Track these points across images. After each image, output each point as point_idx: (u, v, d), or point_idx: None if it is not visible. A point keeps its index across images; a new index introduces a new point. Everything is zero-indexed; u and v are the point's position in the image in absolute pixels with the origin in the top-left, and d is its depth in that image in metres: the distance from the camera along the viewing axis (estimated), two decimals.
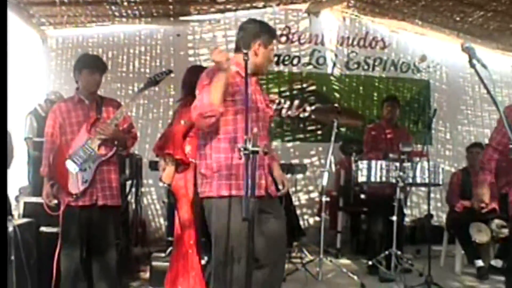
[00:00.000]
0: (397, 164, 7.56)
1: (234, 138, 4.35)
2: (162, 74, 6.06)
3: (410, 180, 7.64)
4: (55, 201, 5.48)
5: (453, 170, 10.79)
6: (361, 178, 7.78)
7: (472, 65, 3.76)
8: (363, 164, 7.80)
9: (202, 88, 4.36)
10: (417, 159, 7.86)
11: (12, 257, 4.94)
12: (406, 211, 9.51)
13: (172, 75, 11.01)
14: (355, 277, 7.47)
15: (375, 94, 12.16)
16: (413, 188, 10.45)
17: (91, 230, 5.56)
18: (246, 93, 3.77)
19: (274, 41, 4.68)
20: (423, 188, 11.19)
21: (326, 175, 7.78)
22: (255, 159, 3.55)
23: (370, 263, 8.01)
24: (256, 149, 3.53)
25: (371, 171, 7.68)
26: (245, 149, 3.52)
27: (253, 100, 4.43)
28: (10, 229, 4.96)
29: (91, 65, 5.61)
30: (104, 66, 5.75)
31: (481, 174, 5.71)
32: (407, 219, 10.59)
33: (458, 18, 11.14)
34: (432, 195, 8.25)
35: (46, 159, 5.57)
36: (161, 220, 10.89)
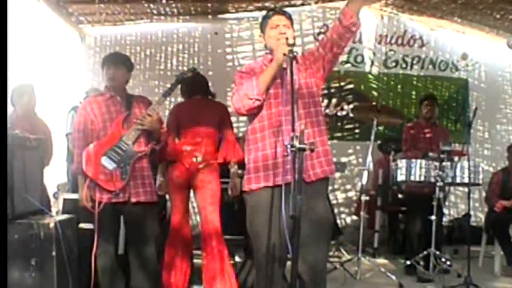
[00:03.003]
0: (437, 163, 7.51)
1: (265, 127, 4.44)
2: (187, 72, 6.15)
3: (450, 180, 7.58)
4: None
5: (491, 169, 10.71)
6: (400, 177, 7.74)
7: None
8: (402, 163, 7.76)
9: (240, 80, 4.49)
10: (456, 158, 7.81)
11: (54, 253, 4.98)
12: (445, 210, 9.44)
13: (210, 73, 11.22)
14: (393, 277, 7.43)
15: (413, 92, 12.08)
16: (451, 188, 10.37)
17: (127, 227, 5.62)
18: (292, 90, 3.77)
19: (276, 17, 4.61)
20: (460, 188, 11.13)
21: (365, 174, 7.78)
22: (301, 156, 3.55)
23: (408, 263, 7.95)
24: (303, 146, 3.51)
25: (410, 170, 7.64)
26: (292, 146, 3.52)
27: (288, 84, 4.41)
28: (52, 225, 4.99)
29: (110, 61, 5.67)
30: (125, 61, 5.78)
31: None
32: (445, 219, 10.51)
33: (498, 16, 10.99)
34: (471, 195, 8.17)
35: (78, 156, 5.55)
36: (198, 218, 10.89)
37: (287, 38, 4.29)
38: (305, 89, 4.55)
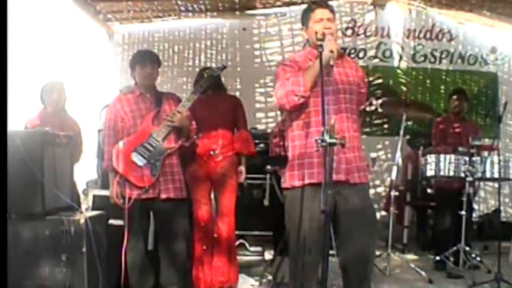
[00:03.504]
0: (466, 158, 7.47)
1: (307, 124, 4.41)
2: (218, 69, 6.21)
3: (480, 175, 7.51)
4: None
5: None
6: (430, 172, 7.70)
7: None
8: (431, 158, 7.71)
9: (284, 74, 4.47)
10: (486, 153, 7.75)
11: (84, 249, 5.01)
12: (474, 206, 9.38)
13: (238, 69, 11.22)
14: (423, 273, 7.40)
15: (442, 87, 12.00)
16: (481, 183, 10.30)
17: (157, 223, 5.66)
18: (322, 85, 3.77)
19: (320, 11, 4.56)
20: (490, 183, 11.03)
21: (395, 169, 7.75)
22: (332, 150, 3.55)
23: (437, 258, 7.91)
24: (333, 141, 3.51)
25: (439, 165, 7.60)
26: (322, 141, 3.51)
27: (332, 82, 4.43)
28: (82, 221, 5.02)
29: (141, 59, 5.72)
30: (156, 58, 5.83)
31: None
32: (474, 215, 10.45)
33: None
34: (500, 190, 8.10)
35: (108, 153, 5.61)
36: None
37: (332, 34, 4.31)
38: (354, 94, 4.60)
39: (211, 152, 6.38)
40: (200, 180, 6.46)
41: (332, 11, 4.60)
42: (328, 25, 4.46)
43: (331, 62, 4.21)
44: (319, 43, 4.17)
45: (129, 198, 5.39)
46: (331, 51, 4.17)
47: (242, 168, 6.68)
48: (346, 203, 4.40)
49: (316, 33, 4.41)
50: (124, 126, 5.57)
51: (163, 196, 5.46)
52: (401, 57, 11.82)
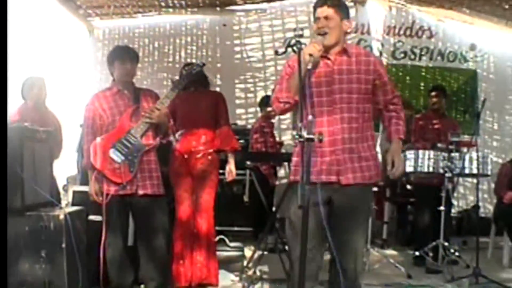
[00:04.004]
0: (445, 154, 7.51)
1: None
2: (197, 66, 6.19)
3: (458, 171, 7.56)
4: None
5: (500, 161, 10.68)
6: (409, 168, 7.71)
7: None
8: (410, 154, 7.74)
9: (282, 77, 4.50)
10: (465, 149, 7.81)
11: (64, 245, 5.01)
12: (453, 202, 9.44)
13: (218, 64, 11.24)
14: (402, 268, 7.45)
15: (422, 83, 12.09)
16: (460, 179, 10.36)
17: (136, 219, 5.66)
18: (299, 77, 3.78)
19: (318, 10, 4.46)
20: (469, 179, 11.09)
21: None
22: (310, 146, 3.56)
23: (416, 254, 7.96)
24: (310, 136, 3.52)
25: (418, 161, 7.63)
26: (300, 136, 3.53)
27: (326, 83, 4.41)
28: (62, 217, 5.02)
29: (121, 55, 5.67)
30: (135, 55, 5.79)
31: None
32: (453, 210, 10.51)
33: (506, 6, 10.96)
34: (479, 186, 8.17)
35: (87, 151, 5.57)
36: None
37: (325, 33, 4.33)
38: (355, 93, 4.47)
39: (192, 149, 6.38)
40: (181, 177, 6.46)
41: (332, 6, 4.43)
42: (322, 24, 4.40)
43: (309, 66, 4.14)
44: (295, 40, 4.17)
45: (107, 194, 5.38)
46: (310, 55, 4.13)
47: (231, 167, 6.65)
48: (337, 203, 4.44)
49: (315, 32, 4.44)
50: (102, 123, 5.55)
51: (141, 192, 5.45)
52: (381, 54, 11.86)
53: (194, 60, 11.11)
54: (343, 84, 4.42)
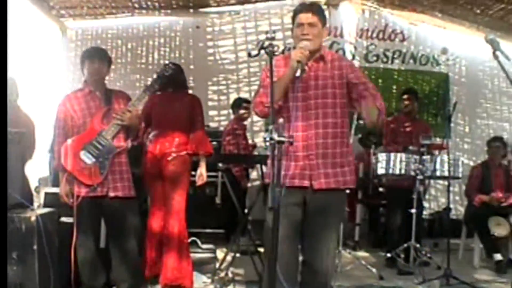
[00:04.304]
0: (417, 156, 7.56)
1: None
2: (168, 68, 6.16)
3: (430, 173, 7.64)
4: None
5: (471, 163, 10.78)
6: (380, 171, 7.79)
7: (496, 57, 3.76)
8: (382, 157, 7.81)
9: (263, 80, 4.52)
10: (437, 152, 7.87)
11: (35, 247, 4.99)
12: (425, 204, 9.51)
13: (191, 66, 11.23)
14: (374, 270, 7.49)
15: (394, 86, 12.15)
16: (431, 181, 10.44)
17: (107, 221, 5.65)
18: (271, 80, 3.79)
19: (302, 15, 4.49)
20: (441, 181, 11.20)
21: None
22: (281, 148, 3.57)
23: (388, 255, 8.03)
24: (281, 139, 3.54)
25: (390, 163, 7.70)
26: (271, 139, 3.54)
27: (302, 89, 4.42)
28: (33, 218, 5.00)
29: (90, 54, 5.68)
30: (105, 55, 5.79)
31: None
32: (425, 212, 10.57)
33: (478, 11, 11.08)
34: (450, 188, 8.20)
35: (58, 153, 5.55)
36: None
37: (309, 40, 4.35)
38: (330, 98, 4.50)
39: (165, 151, 6.36)
40: (153, 178, 6.45)
41: (316, 12, 4.51)
42: (307, 30, 4.43)
43: (297, 73, 4.20)
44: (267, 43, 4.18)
45: (78, 196, 5.36)
46: (298, 62, 4.19)
47: (202, 171, 6.64)
48: (311, 207, 4.47)
49: (297, 38, 4.47)
50: (74, 124, 5.53)
51: (112, 194, 5.45)
52: (353, 57, 11.90)
53: (167, 62, 11.09)
54: (318, 90, 4.47)
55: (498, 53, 3.76)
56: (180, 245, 6.32)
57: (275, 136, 3.55)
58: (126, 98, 5.75)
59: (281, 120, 3.74)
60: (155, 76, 6.10)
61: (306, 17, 4.46)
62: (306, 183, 4.42)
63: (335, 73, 4.52)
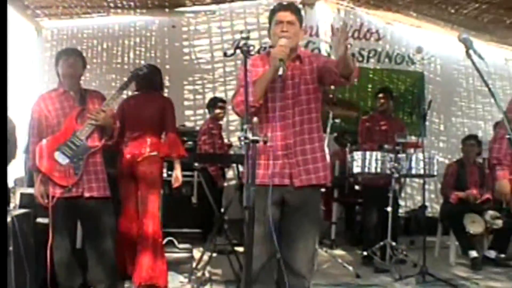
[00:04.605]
0: (392, 155, 7.59)
1: (263, 129, 4.43)
2: (142, 68, 6.19)
3: (405, 171, 7.68)
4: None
5: (446, 161, 10.85)
6: (356, 169, 7.80)
7: (469, 56, 3.78)
8: (357, 155, 7.82)
9: (241, 79, 4.44)
10: (412, 150, 7.91)
11: (11, 248, 4.96)
12: (401, 202, 9.55)
13: (167, 66, 11.22)
14: (350, 268, 7.50)
15: (370, 85, 12.23)
16: (408, 180, 10.52)
17: (82, 221, 5.63)
18: (245, 81, 3.79)
19: (281, 14, 4.50)
20: (417, 180, 11.25)
21: None
22: (255, 148, 3.58)
23: (364, 253, 8.06)
24: (256, 138, 3.55)
25: (365, 162, 7.71)
26: (245, 138, 3.55)
27: (280, 88, 4.37)
28: (9, 219, 4.97)
29: (64, 54, 5.67)
30: (79, 53, 5.80)
31: (499, 170, 5.56)
32: (401, 210, 10.63)
33: (452, 11, 11.18)
34: (426, 186, 8.25)
35: (33, 153, 5.50)
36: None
37: (289, 37, 4.35)
38: (303, 95, 4.54)
39: (135, 151, 6.36)
40: (126, 179, 6.43)
41: (295, 12, 4.54)
42: (286, 28, 4.44)
43: (280, 72, 4.18)
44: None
45: (53, 197, 5.34)
46: (281, 60, 4.18)
47: (178, 173, 6.63)
48: (290, 205, 4.50)
49: (276, 35, 4.44)
50: (48, 125, 5.49)
51: (87, 194, 5.42)
52: (329, 56, 11.94)
53: (142, 62, 11.12)
54: (295, 89, 4.50)
55: (471, 52, 3.78)
56: (154, 244, 6.30)
57: (250, 136, 3.56)
58: (101, 98, 5.72)
59: (255, 119, 3.74)
60: (129, 75, 6.10)
61: (285, 15, 4.48)
62: (286, 181, 4.45)
63: (306, 69, 4.55)
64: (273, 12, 4.58)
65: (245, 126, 3.59)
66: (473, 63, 3.75)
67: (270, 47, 4.65)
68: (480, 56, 3.75)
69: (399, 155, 7.60)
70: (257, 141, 3.57)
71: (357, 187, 9.16)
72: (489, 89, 3.76)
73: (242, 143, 3.59)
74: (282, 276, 4.49)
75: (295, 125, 4.48)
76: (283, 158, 4.44)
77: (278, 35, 4.43)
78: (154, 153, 6.39)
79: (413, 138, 8.79)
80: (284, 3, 4.71)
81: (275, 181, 4.38)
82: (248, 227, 3.62)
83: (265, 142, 3.71)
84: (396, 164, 7.54)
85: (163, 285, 6.28)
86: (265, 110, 4.48)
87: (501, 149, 5.48)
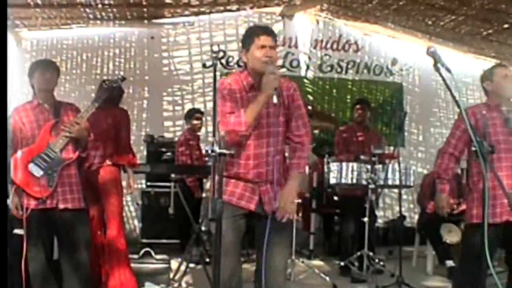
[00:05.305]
0: (368, 166, 7.63)
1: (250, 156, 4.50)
2: (116, 81, 6.23)
3: (381, 182, 7.70)
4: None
5: (425, 172, 10.93)
6: (333, 180, 7.83)
7: (437, 69, 3.84)
8: (334, 166, 7.85)
9: (224, 105, 4.47)
10: (387, 161, 7.96)
11: None
12: (379, 212, 9.61)
13: (146, 77, 11.25)
14: (327, 278, 7.54)
15: (348, 96, 12.26)
16: (387, 190, 10.57)
17: (58, 233, 5.63)
18: (214, 92, 3.83)
19: (265, 38, 4.51)
20: (396, 190, 11.28)
21: None
22: (223, 162, 3.62)
23: (342, 264, 8.09)
24: (223, 151, 3.59)
25: (342, 173, 7.74)
26: (212, 151, 3.58)
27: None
28: None
29: (40, 66, 5.67)
30: (55, 66, 5.79)
31: (439, 183, 5.71)
32: (380, 221, 10.70)
33: (430, 22, 11.27)
34: (405, 196, 8.32)
35: (8, 165, 5.54)
36: (135, 222, 10.90)
37: (273, 63, 4.42)
38: (281, 126, 4.60)
39: (90, 162, 6.41)
40: (87, 190, 6.45)
41: (274, 38, 4.57)
42: (270, 53, 4.46)
43: (275, 100, 4.30)
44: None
45: (27, 208, 5.34)
46: (275, 89, 4.28)
47: (130, 181, 6.68)
48: (262, 226, 4.48)
49: (259, 60, 4.45)
50: (23, 137, 5.49)
51: (61, 206, 5.42)
52: (308, 67, 12.06)
53: (122, 73, 11.14)
54: (270, 118, 4.52)
55: (439, 65, 3.84)
56: (118, 253, 6.33)
57: (217, 149, 3.59)
58: (75, 110, 5.73)
59: (222, 133, 3.79)
60: (103, 88, 6.15)
61: (268, 40, 4.50)
62: (252, 207, 4.48)
63: (284, 94, 4.60)
64: (254, 35, 4.55)
65: (212, 140, 3.63)
66: (441, 75, 3.81)
67: (245, 63, 4.67)
68: (447, 69, 3.81)
69: (376, 166, 7.64)
70: (224, 154, 3.61)
71: (335, 198, 9.20)
72: (455, 99, 3.82)
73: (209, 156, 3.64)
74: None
75: (269, 145, 4.50)
76: (254, 184, 4.48)
77: (261, 59, 4.44)
78: (108, 162, 6.45)
79: (392, 149, 8.85)
80: (264, 26, 4.77)
81: (241, 203, 4.46)
82: (216, 239, 3.65)
83: (231, 156, 3.75)
84: (372, 175, 7.59)
85: None
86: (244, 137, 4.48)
87: (441, 164, 5.63)
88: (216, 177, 3.63)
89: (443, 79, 3.83)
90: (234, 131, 4.34)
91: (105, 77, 10.97)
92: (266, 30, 4.57)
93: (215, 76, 3.99)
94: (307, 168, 8.39)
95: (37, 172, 5.34)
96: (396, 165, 7.71)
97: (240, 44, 4.69)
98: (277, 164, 4.52)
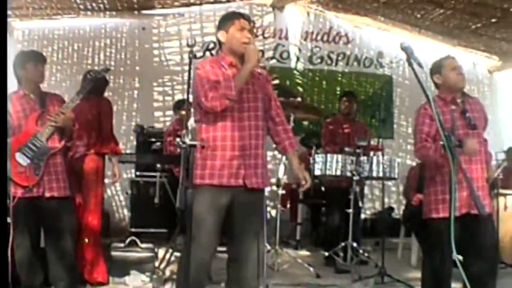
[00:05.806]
0: (353, 158, 7.71)
1: (227, 137, 4.58)
2: (101, 72, 6.41)
3: (366, 174, 7.79)
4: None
5: (414, 164, 10.97)
6: (317, 171, 7.91)
7: (410, 64, 3.93)
8: (319, 158, 7.94)
9: (207, 78, 4.61)
10: (372, 153, 8.03)
11: None
12: (364, 204, 9.66)
13: (137, 68, 11.29)
14: (311, 268, 7.61)
15: (338, 88, 12.30)
16: (374, 182, 10.63)
17: (44, 221, 5.71)
18: (188, 87, 3.92)
19: (244, 21, 4.72)
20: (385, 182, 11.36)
21: (282, 167, 7.92)
22: (193, 152, 3.69)
23: (327, 254, 8.17)
24: (193, 143, 3.66)
25: (327, 164, 7.83)
26: (183, 142, 3.65)
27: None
28: None
29: (34, 58, 5.78)
30: (45, 59, 5.92)
31: (426, 152, 5.58)
32: (368, 212, 10.78)
33: (419, 15, 11.32)
34: (394, 188, 8.39)
35: None
36: (125, 211, 10.97)
37: (261, 51, 4.59)
38: (259, 102, 4.75)
39: (73, 151, 6.50)
40: (72, 179, 6.52)
41: (252, 25, 4.98)
42: (248, 35, 4.67)
43: (259, 70, 4.60)
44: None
45: (14, 197, 5.41)
46: (258, 60, 4.56)
47: (115, 169, 6.81)
48: (239, 206, 4.61)
49: (239, 40, 4.63)
50: (9, 126, 5.56)
51: (48, 194, 5.52)
52: (298, 59, 12.11)
53: (113, 63, 11.23)
54: (249, 94, 4.67)
55: (412, 60, 3.92)
56: (97, 241, 6.44)
57: (187, 140, 3.67)
58: (61, 101, 5.82)
59: (193, 123, 3.86)
60: (88, 79, 6.23)
61: (246, 24, 4.71)
62: (240, 181, 4.56)
63: (263, 83, 4.83)
64: (234, 17, 4.75)
65: (184, 131, 3.70)
66: (413, 70, 3.89)
67: (220, 48, 4.86)
68: (420, 65, 3.89)
69: (360, 158, 7.72)
70: (194, 146, 3.68)
71: (322, 188, 9.26)
72: (426, 94, 3.90)
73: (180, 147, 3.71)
74: (235, 275, 4.63)
75: (251, 128, 4.61)
76: (239, 158, 4.55)
77: (241, 40, 4.63)
78: (91, 151, 6.54)
79: (381, 141, 8.92)
80: (241, 11, 4.94)
81: (223, 182, 4.52)
82: (187, 230, 3.73)
83: (202, 147, 3.83)
84: (357, 167, 7.67)
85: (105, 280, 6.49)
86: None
87: (419, 149, 5.56)
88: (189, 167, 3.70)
89: (415, 74, 3.92)
90: (225, 95, 4.46)
91: (96, 68, 11.07)
92: (244, 16, 4.81)
93: (190, 70, 4.06)
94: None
95: (24, 161, 5.43)
96: (380, 157, 7.79)
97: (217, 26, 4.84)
98: (259, 139, 4.68)
